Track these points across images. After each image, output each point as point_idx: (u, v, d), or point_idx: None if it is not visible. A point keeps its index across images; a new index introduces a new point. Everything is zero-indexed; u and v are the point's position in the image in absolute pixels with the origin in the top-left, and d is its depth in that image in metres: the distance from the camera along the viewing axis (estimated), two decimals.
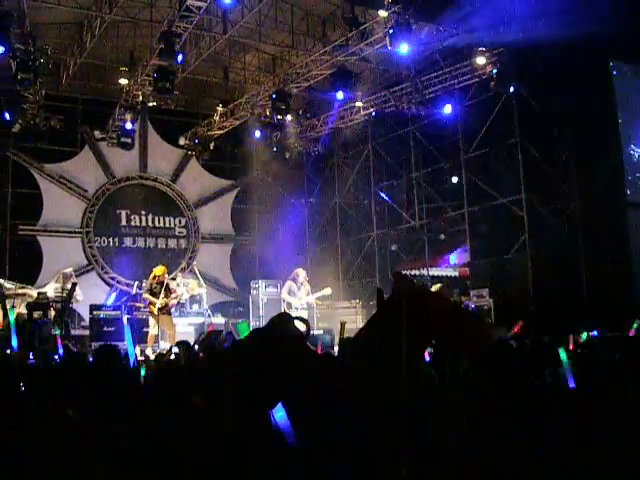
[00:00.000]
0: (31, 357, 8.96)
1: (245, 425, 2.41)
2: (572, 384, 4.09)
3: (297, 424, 2.41)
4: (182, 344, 8.40)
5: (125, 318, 15.87)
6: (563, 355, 4.32)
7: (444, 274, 22.69)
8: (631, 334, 8.90)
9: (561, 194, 17.89)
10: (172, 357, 8.27)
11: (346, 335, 5.18)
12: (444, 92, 18.93)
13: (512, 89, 17.57)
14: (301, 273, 15.68)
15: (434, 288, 16.53)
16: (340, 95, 18.29)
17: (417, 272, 21.02)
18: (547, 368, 4.91)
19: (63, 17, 17.71)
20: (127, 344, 13.69)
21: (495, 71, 17.38)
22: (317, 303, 17.61)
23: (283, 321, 2.29)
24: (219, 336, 10.86)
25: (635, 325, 9.37)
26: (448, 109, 19.18)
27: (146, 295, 14.77)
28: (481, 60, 17.39)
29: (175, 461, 2.65)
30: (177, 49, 15.61)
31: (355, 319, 18.94)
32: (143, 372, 5.96)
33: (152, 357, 10.42)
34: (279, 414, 2.39)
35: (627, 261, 17.09)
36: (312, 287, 15.96)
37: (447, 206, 20.67)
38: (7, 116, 18.19)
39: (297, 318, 2.17)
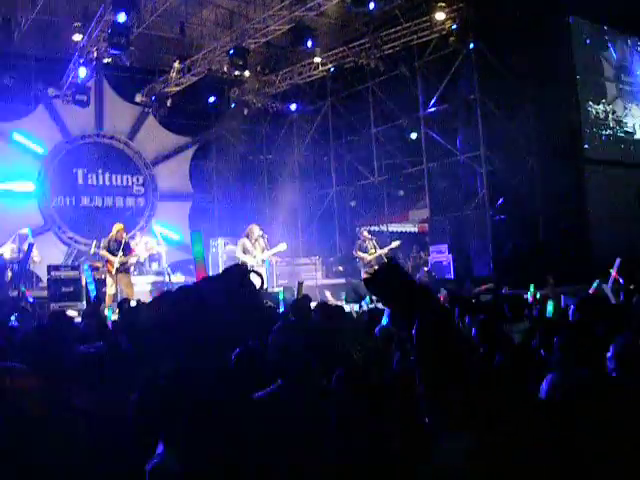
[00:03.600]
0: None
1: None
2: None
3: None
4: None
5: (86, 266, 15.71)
6: (550, 308, 4.40)
7: (403, 230, 22.82)
8: (591, 291, 9.14)
9: (520, 150, 18.01)
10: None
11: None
12: (403, 47, 18.84)
13: (471, 45, 17.58)
14: (255, 229, 15.37)
15: (393, 244, 16.62)
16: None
17: (376, 228, 21.08)
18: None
19: None
20: (87, 284, 13.90)
21: (454, 27, 17.35)
22: (277, 260, 17.58)
23: (241, 273, 2.19)
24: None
25: (594, 284, 9.64)
26: (407, 65, 19.12)
27: (103, 252, 14.50)
28: (440, 15, 17.35)
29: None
30: (128, 4, 15.28)
31: (315, 275, 19.02)
32: None
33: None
34: None
35: (584, 216, 17.32)
36: (271, 244, 15.78)
37: (406, 162, 20.71)
38: None
39: (252, 271, 2.10)
